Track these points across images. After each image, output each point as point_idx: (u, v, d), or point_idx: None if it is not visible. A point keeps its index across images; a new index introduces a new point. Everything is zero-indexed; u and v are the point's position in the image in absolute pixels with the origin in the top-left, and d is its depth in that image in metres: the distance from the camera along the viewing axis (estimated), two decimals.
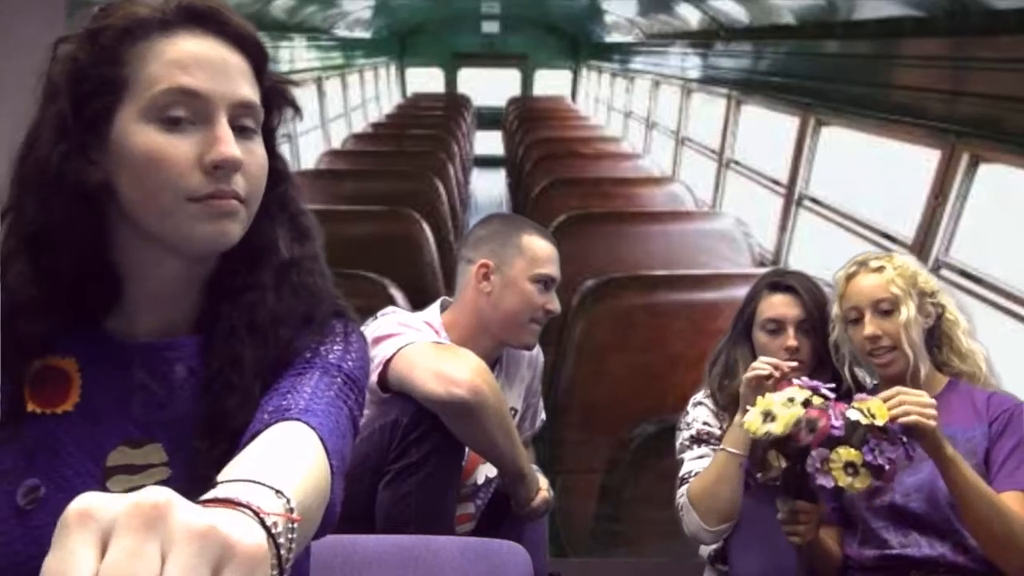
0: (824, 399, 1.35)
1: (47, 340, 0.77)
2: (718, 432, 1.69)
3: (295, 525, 0.54)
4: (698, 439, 1.70)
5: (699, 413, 1.73)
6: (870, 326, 1.53)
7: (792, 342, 1.66)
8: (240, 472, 0.58)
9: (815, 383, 1.38)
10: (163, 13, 0.76)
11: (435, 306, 1.75)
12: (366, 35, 9.09)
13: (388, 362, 1.51)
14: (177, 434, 0.78)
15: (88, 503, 0.40)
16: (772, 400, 1.34)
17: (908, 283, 1.54)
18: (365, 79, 9.48)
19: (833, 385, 1.38)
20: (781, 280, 1.73)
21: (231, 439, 0.74)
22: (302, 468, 0.64)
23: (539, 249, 1.70)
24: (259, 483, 0.55)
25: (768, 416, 1.31)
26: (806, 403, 1.33)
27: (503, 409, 1.52)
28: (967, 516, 1.40)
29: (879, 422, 1.30)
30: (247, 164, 0.76)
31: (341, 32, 7.65)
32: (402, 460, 1.48)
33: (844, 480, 1.29)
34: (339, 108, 7.80)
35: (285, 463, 0.63)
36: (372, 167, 5.07)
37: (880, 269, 1.56)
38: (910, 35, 2.68)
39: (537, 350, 1.83)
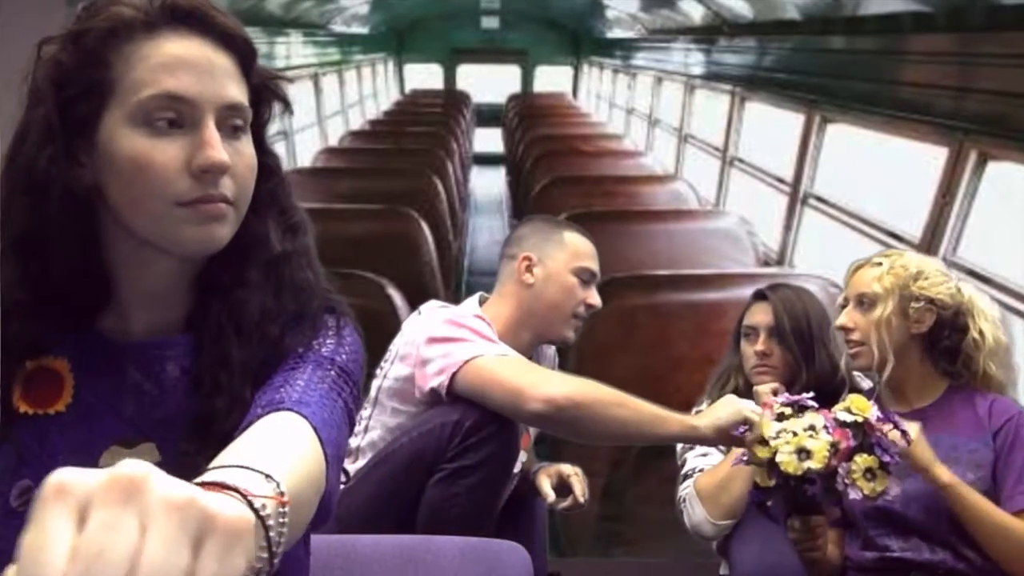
0: (809, 409, 1.40)
1: (38, 341, 0.78)
2: None
3: (286, 509, 0.54)
4: None
5: None
6: (844, 316, 1.58)
7: (760, 347, 1.73)
8: (229, 459, 0.58)
9: (797, 397, 1.42)
10: (147, 13, 0.76)
11: (473, 300, 1.77)
12: (363, 31, 9.09)
13: (455, 374, 1.53)
14: (170, 433, 0.79)
15: (64, 478, 0.39)
16: (799, 435, 1.36)
17: (897, 283, 1.54)
18: (363, 75, 9.48)
19: (812, 394, 1.43)
20: (763, 290, 1.81)
21: (221, 440, 0.74)
22: (293, 455, 0.64)
23: (580, 245, 1.77)
24: (248, 468, 0.56)
25: (803, 453, 1.34)
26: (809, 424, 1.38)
27: (600, 395, 1.48)
28: (978, 537, 1.43)
29: (869, 414, 1.35)
30: (235, 165, 0.76)
31: (338, 28, 7.65)
32: (458, 461, 1.51)
33: (868, 487, 1.34)
34: (336, 105, 7.81)
35: (275, 450, 0.63)
36: (370, 165, 5.07)
37: (878, 265, 1.58)
38: (916, 31, 2.68)
39: (553, 352, 1.88)
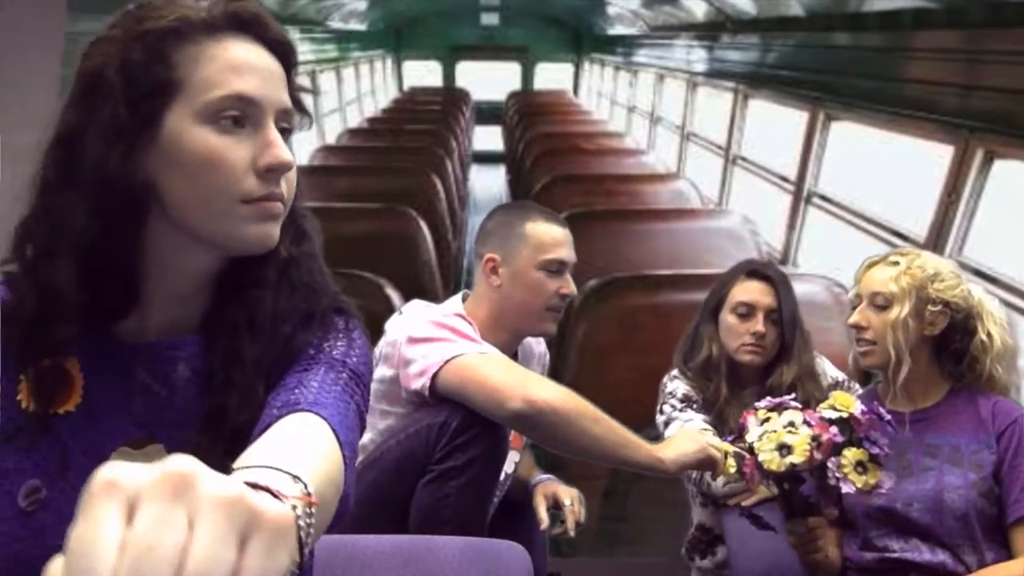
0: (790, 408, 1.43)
1: (51, 340, 0.78)
2: (699, 399, 1.78)
3: (313, 510, 0.55)
4: (687, 401, 1.77)
5: (677, 385, 1.81)
6: (857, 315, 1.59)
7: (760, 328, 1.76)
8: (255, 459, 0.59)
9: (779, 400, 1.44)
10: (211, 17, 0.79)
11: (456, 299, 1.77)
12: (361, 27, 9.10)
13: (436, 374, 1.54)
14: (179, 434, 0.80)
15: (114, 473, 0.40)
16: (779, 432, 1.38)
17: (914, 284, 1.55)
18: (360, 73, 9.49)
19: (795, 395, 1.46)
20: (760, 268, 1.84)
21: (231, 437, 0.75)
22: (317, 456, 0.65)
23: (545, 235, 1.71)
24: (276, 468, 0.57)
25: (784, 448, 1.35)
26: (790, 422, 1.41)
27: (579, 407, 1.49)
28: None
29: (854, 410, 1.38)
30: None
31: (336, 24, 7.66)
32: (447, 462, 1.51)
33: (860, 480, 1.36)
34: (334, 102, 7.82)
35: (300, 451, 0.65)
36: (368, 163, 5.08)
37: (894, 264, 1.58)
38: (922, 27, 2.69)
39: (543, 347, 1.87)
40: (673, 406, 1.78)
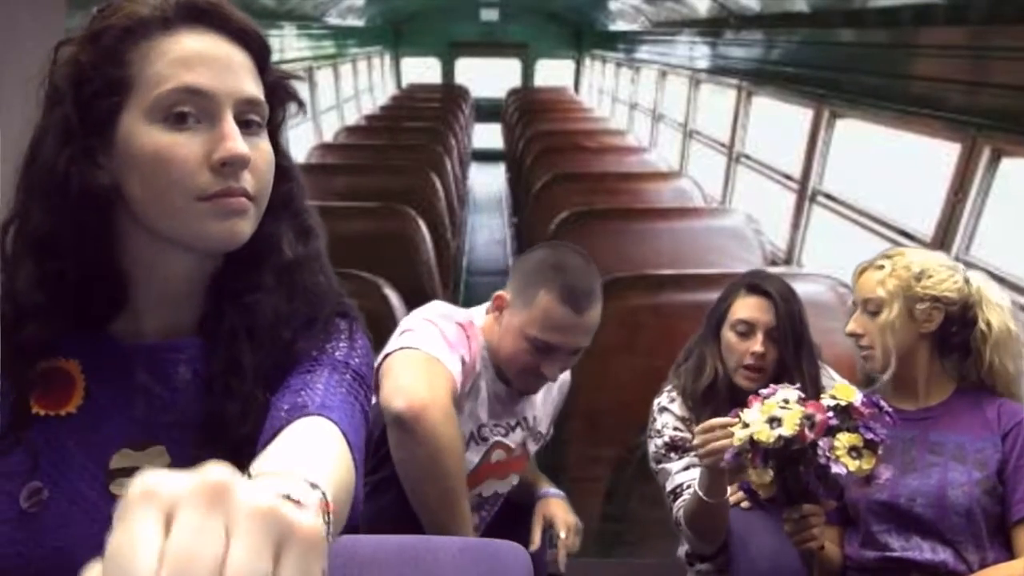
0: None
1: (51, 343, 0.79)
2: (689, 436, 1.69)
3: (331, 517, 0.56)
4: (673, 447, 1.73)
5: (667, 420, 1.76)
6: (853, 323, 1.62)
7: (759, 347, 1.71)
8: (272, 465, 0.59)
9: (780, 386, 1.44)
10: (164, 11, 0.78)
11: (481, 310, 1.73)
12: (359, 23, 9.11)
13: (383, 359, 1.51)
14: (180, 436, 0.80)
15: (152, 481, 0.41)
16: (771, 405, 1.39)
17: (901, 286, 1.56)
18: (358, 69, 9.50)
19: (798, 385, 1.45)
20: (760, 283, 1.76)
21: (232, 446, 0.76)
22: (331, 462, 0.66)
23: (549, 312, 1.58)
24: (293, 475, 0.57)
25: (774, 421, 1.36)
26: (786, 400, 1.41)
27: (446, 460, 1.43)
28: None
29: (854, 399, 1.39)
30: (254, 161, 0.78)
31: (333, 20, 7.67)
32: (378, 473, 1.49)
33: (853, 465, 1.36)
34: (331, 99, 7.82)
35: (314, 457, 0.65)
36: (365, 161, 5.08)
37: (880, 268, 1.59)
38: (929, 23, 2.69)
39: (566, 372, 1.80)
40: (660, 451, 1.74)
